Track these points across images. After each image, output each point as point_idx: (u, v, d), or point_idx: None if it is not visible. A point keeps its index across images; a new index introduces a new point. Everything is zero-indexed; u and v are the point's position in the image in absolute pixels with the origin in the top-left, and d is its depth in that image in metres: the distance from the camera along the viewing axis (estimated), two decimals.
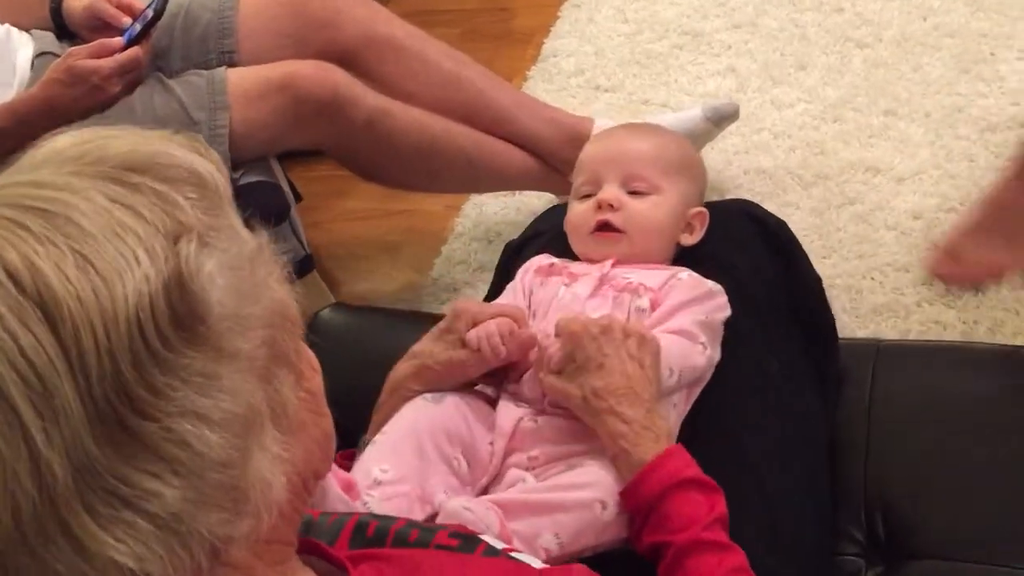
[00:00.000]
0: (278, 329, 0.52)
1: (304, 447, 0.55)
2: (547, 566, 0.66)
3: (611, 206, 0.99)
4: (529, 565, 0.65)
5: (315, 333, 1.23)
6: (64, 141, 0.52)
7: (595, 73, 2.09)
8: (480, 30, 2.42)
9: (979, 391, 0.95)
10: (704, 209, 1.03)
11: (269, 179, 1.51)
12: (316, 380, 0.58)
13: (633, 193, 1.00)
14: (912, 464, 0.94)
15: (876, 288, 1.56)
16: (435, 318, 1.61)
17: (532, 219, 1.90)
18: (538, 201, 1.87)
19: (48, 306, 0.43)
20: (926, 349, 1.09)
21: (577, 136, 1.70)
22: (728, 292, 0.96)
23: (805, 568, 0.89)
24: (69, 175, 0.48)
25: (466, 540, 0.70)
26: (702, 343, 0.90)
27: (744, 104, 1.90)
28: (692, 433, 0.91)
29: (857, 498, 0.94)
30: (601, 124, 1.71)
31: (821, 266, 1.56)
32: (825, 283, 1.45)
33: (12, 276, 0.43)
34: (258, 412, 0.49)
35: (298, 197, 1.99)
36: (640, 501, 0.80)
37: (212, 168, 0.53)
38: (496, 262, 1.80)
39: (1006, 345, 1.30)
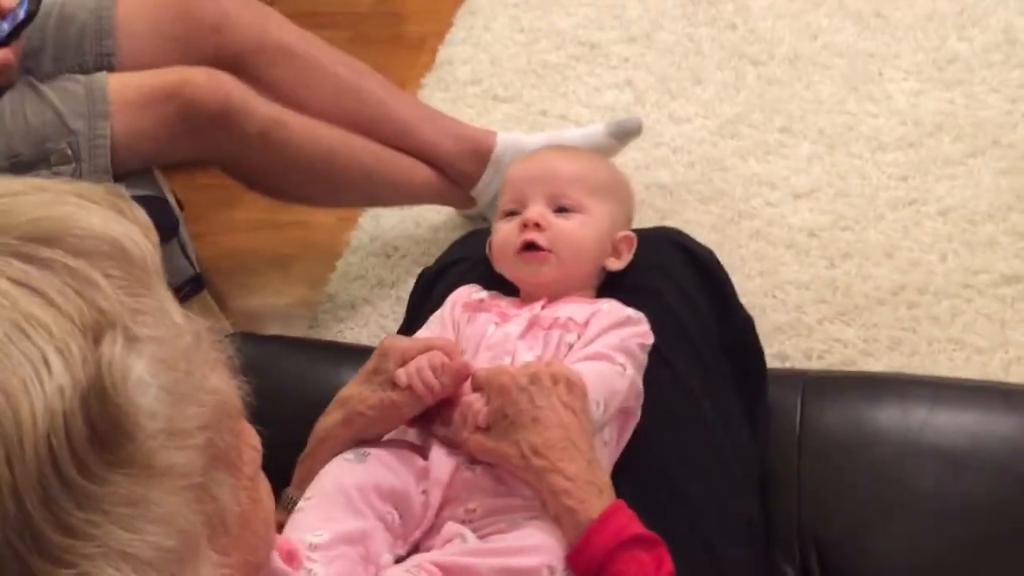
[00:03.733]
0: (217, 429, 0.45)
1: (245, 545, 0.49)
2: None
3: (537, 225, 0.95)
4: None
5: None
6: None
7: (492, 83, 2.05)
8: (369, 35, 2.34)
9: (909, 421, 0.95)
10: (631, 233, 1.00)
11: (155, 193, 1.41)
12: (256, 461, 0.51)
13: (559, 212, 0.96)
14: (846, 499, 0.93)
15: (779, 307, 1.57)
16: (332, 345, 1.54)
17: (431, 233, 1.87)
18: (437, 215, 1.82)
19: None
20: (851, 380, 1.10)
21: (480, 150, 1.66)
22: (658, 322, 0.93)
23: None
24: None
25: None
26: (620, 364, 0.87)
27: (642, 118, 1.89)
28: (626, 475, 0.88)
29: (790, 536, 0.93)
30: (504, 138, 1.67)
31: None
32: None
33: None
34: (193, 539, 0.42)
35: (180, 207, 1.88)
36: (588, 563, 0.76)
37: (138, 234, 0.45)
38: (395, 278, 1.77)
39: (933, 376, 1.33)
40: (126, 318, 0.40)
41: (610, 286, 0.99)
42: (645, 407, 0.92)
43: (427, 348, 0.86)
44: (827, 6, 2.06)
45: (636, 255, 1.00)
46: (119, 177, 1.37)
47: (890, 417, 0.97)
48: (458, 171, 1.66)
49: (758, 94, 1.92)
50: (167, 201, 1.43)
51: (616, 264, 0.99)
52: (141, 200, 1.41)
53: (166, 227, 1.39)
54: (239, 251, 1.92)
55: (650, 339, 0.93)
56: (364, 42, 2.30)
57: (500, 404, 0.81)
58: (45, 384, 0.37)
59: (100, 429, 0.38)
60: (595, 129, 1.67)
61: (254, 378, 1.18)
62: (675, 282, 0.99)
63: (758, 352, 1.02)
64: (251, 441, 0.51)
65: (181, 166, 1.72)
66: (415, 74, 2.14)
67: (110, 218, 0.44)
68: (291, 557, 0.73)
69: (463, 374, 0.85)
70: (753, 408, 0.98)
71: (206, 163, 1.58)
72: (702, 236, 1.65)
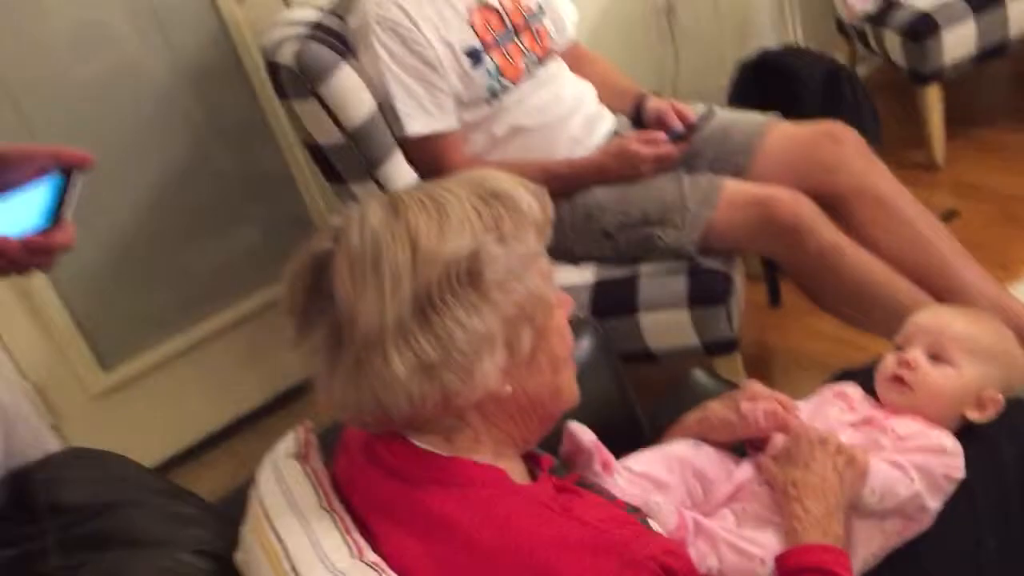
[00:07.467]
0: (531, 304, 0.89)
1: (535, 382, 0.92)
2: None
3: (908, 364, 1.19)
4: (647, 527, 0.95)
5: (685, 387, 1.56)
6: (469, 172, 0.94)
7: None
8: (1014, 214, 2.48)
9: None
10: (999, 396, 1.16)
11: (724, 270, 1.86)
12: (562, 349, 0.94)
13: (935, 359, 1.18)
14: None
15: None
16: None
17: None
18: None
19: (415, 243, 0.85)
20: None
21: (1018, 328, 1.77)
22: (981, 466, 1.09)
23: None
24: (459, 187, 0.90)
25: (636, 510, 1.01)
26: (911, 478, 1.07)
27: None
28: (889, 561, 1.08)
29: None
30: None
31: None
32: None
33: (408, 228, 0.86)
34: (493, 336, 0.87)
35: (779, 301, 2.32)
36: (783, 569, 1.01)
37: (537, 206, 0.91)
38: None
39: None
40: (504, 233, 0.87)
41: (966, 430, 1.16)
42: (936, 523, 1.10)
43: (771, 397, 1.18)
44: None
45: (1000, 415, 1.16)
46: (703, 251, 1.85)
47: None
48: None
49: None
50: (730, 278, 1.87)
51: (976, 416, 1.17)
52: (711, 271, 1.87)
53: (717, 294, 1.83)
54: (798, 351, 2.28)
55: (959, 474, 1.10)
56: (1003, 219, 2.46)
57: (791, 445, 1.10)
58: (458, 241, 0.85)
59: (471, 269, 0.85)
60: None
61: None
62: (1021, 447, 1.13)
63: None
64: (566, 338, 0.94)
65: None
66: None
67: (527, 195, 0.91)
68: (606, 466, 1.13)
69: (783, 424, 1.15)
70: None
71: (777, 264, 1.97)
72: None
